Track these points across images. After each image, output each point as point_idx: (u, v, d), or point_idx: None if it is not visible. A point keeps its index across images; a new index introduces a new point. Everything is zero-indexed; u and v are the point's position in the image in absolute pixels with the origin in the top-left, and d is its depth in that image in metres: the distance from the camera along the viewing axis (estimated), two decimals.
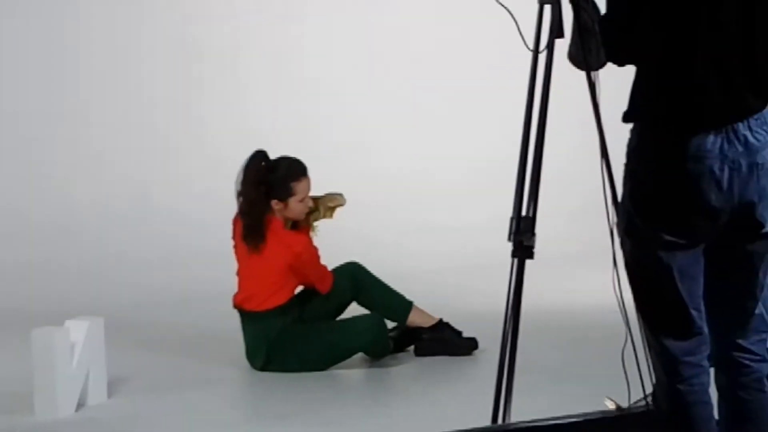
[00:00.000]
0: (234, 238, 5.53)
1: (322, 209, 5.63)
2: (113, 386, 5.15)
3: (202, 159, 8.18)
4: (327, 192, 5.67)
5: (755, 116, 3.09)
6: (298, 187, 5.46)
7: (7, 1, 7.99)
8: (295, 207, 5.46)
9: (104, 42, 8.22)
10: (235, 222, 5.53)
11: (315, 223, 5.62)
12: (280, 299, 5.44)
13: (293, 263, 5.41)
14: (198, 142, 8.28)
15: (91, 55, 8.20)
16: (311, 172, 5.53)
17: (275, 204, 5.42)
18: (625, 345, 4.00)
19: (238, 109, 8.43)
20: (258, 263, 5.42)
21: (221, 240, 5.89)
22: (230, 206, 5.55)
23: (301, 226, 5.57)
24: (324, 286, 5.52)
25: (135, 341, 6.00)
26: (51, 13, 8.10)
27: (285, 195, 5.43)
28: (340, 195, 5.70)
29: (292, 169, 5.48)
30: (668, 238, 3.11)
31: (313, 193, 5.56)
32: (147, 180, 8.11)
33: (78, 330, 4.90)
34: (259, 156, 5.48)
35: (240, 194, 5.44)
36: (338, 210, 5.70)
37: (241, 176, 5.45)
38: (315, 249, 5.51)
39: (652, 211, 3.14)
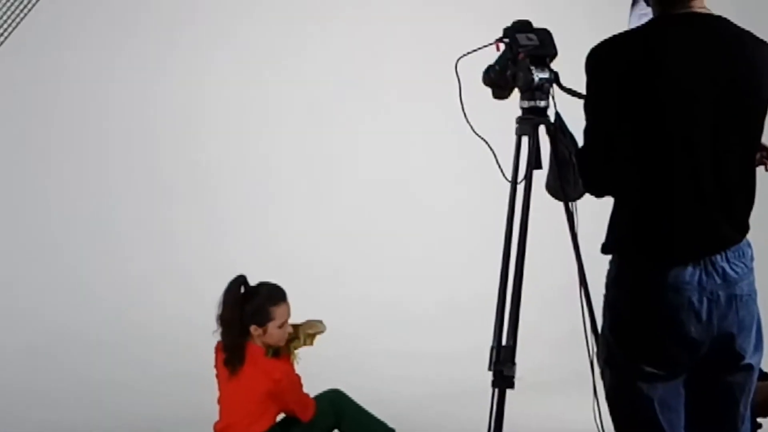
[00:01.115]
0: (216, 366, 5.51)
1: (302, 336, 5.62)
2: None
3: (179, 284, 8.16)
4: (307, 319, 5.67)
5: (732, 248, 3.13)
6: (277, 311, 5.45)
7: None
8: (274, 333, 5.45)
9: (76, 162, 8.25)
10: (217, 349, 5.51)
11: (296, 351, 5.60)
12: (261, 427, 5.40)
13: (273, 390, 5.38)
14: (173, 267, 8.28)
15: (64, 176, 8.23)
16: (290, 300, 5.54)
17: (254, 330, 5.41)
18: None
19: (214, 235, 8.45)
20: (238, 390, 5.40)
21: (199, 365, 5.87)
22: (207, 332, 5.54)
23: (282, 354, 5.56)
24: (306, 415, 5.48)
25: None
26: (25, 130, 8.15)
27: (264, 320, 5.42)
28: (320, 322, 5.69)
29: (272, 294, 5.48)
30: (648, 369, 3.12)
31: (292, 320, 5.56)
32: (121, 305, 8.08)
33: None
34: (239, 281, 5.49)
35: (219, 318, 5.44)
36: (318, 337, 5.69)
37: (220, 301, 5.46)
38: (297, 376, 5.49)
39: (632, 342, 3.16)
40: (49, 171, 8.20)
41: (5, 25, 4.66)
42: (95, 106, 8.28)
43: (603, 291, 3.26)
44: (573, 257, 4.12)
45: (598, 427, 3.83)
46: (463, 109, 4.11)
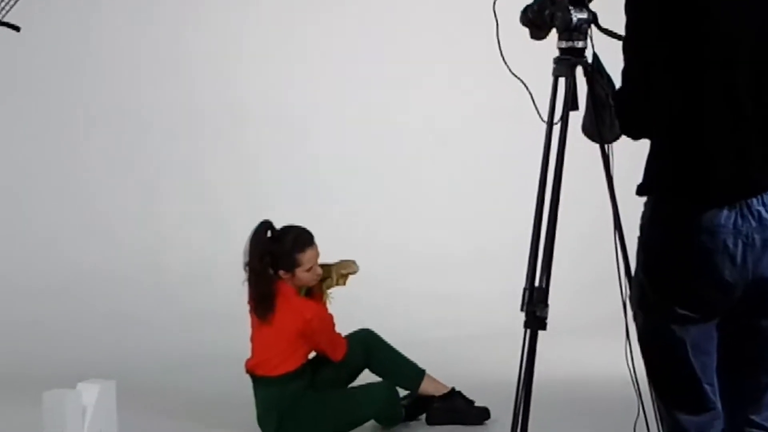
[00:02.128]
0: (249, 303, 5.53)
1: (335, 276, 5.63)
2: None
3: (209, 223, 8.19)
4: (340, 259, 5.68)
5: None
6: (303, 258, 5.45)
7: (8, 63, 8.04)
8: (303, 276, 5.46)
9: (110, 105, 8.24)
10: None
11: (328, 291, 5.61)
12: (292, 365, 5.44)
13: (304, 330, 5.40)
14: (206, 206, 8.30)
15: (97, 118, 8.23)
16: (319, 241, 5.53)
17: (283, 274, 5.43)
18: (637, 418, 4.00)
19: (246, 175, 8.45)
20: (270, 329, 5.43)
21: (232, 305, 5.90)
22: (238, 270, 5.56)
23: (315, 293, 5.57)
24: (336, 354, 5.51)
25: (146, 405, 5.99)
26: (58, 74, 8.14)
27: (291, 266, 5.43)
28: (353, 262, 5.70)
29: (297, 241, 5.46)
30: (681, 311, 3.12)
31: (325, 260, 5.57)
32: (156, 245, 8.11)
33: (90, 393, 4.90)
34: (264, 227, 5.48)
35: (246, 265, 5.45)
36: (351, 277, 5.70)
37: (247, 247, 5.45)
38: (329, 316, 5.52)
39: (665, 285, 3.15)
40: (81, 113, 8.21)
41: None
42: (127, 46, 8.27)
43: (638, 234, 3.25)
44: (608, 199, 4.09)
45: (629, 369, 3.82)
46: (500, 49, 4.07)
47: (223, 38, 8.46)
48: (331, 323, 5.53)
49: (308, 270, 5.45)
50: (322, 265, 5.56)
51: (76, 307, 7.65)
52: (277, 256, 5.41)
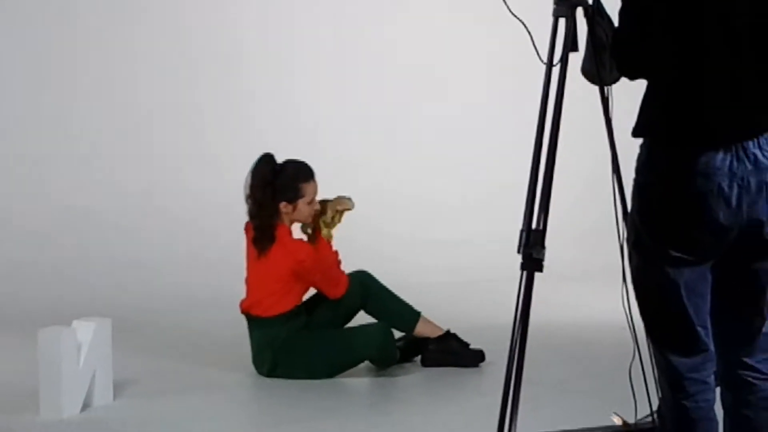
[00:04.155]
0: (247, 236, 5.53)
1: (330, 212, 5.62)
2: (119, 388, 5.16)
3: (204, 166, 8.19)
4: (336, 195, 5.66)
5: (765, 135, 3.08)
6: (307, 188, 5.47)
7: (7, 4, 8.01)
8: (304, 209, 5.47)
9: (101, 46, 8.21)
10: (247, 228, 5.53)
11: (332, 231, 5.60)
12: (286, 306, 5.44)
13: (297, 270, 5.41)
14: (200, 148, 8.29)
15: (87, 59, 8.20)
16: (318, 184, 5.54)
17: (283, 207, 5.42)
18: (632, 360, 4.00)
19: (239, 117, 8.44)
20: (264, 269, 5.43)
21: (228, 246, 5.88)
22: (236, 212, 5.55)
23: (318, 234, 5.56)
24: (335, 292, 5.52)
25: (142, 344, 6.01)
26: (44, 16, 8.09)
27: (293, 196, 5.43)
28: (349, 199, 5.69)
29: (301, 171, 5.49)
30: (675, 254, 3.10)
31: (321, 197, 5.57)
32: (151, 187, 8.11)
33: (85, 330, 4.90)
34: (267, 159, 5.49)
35: (248, 197, 5.45)
36: (347, 214, 5.69)
37: (249, 180, 5.46)
38: (334, 253, 5.52)
39: (660, 227, 3.13)
40: (76, 56, 8.19)
41: None
42: None
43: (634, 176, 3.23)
44: (607, 142, 4.07)
45: (626, 311, 3.81)
46: None
47: None
48: (333, 261, 5.53)
49: (309, 202, 5.46)
50: (319, 201, 5.56)
51: (72, 248, 7.66)
52: (279, 187, 5.42)
